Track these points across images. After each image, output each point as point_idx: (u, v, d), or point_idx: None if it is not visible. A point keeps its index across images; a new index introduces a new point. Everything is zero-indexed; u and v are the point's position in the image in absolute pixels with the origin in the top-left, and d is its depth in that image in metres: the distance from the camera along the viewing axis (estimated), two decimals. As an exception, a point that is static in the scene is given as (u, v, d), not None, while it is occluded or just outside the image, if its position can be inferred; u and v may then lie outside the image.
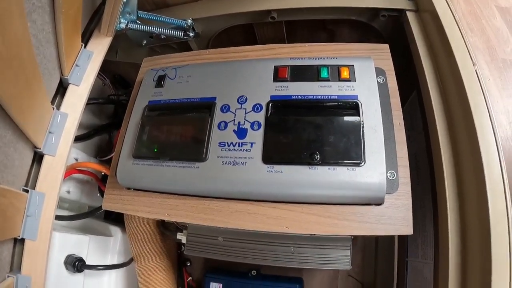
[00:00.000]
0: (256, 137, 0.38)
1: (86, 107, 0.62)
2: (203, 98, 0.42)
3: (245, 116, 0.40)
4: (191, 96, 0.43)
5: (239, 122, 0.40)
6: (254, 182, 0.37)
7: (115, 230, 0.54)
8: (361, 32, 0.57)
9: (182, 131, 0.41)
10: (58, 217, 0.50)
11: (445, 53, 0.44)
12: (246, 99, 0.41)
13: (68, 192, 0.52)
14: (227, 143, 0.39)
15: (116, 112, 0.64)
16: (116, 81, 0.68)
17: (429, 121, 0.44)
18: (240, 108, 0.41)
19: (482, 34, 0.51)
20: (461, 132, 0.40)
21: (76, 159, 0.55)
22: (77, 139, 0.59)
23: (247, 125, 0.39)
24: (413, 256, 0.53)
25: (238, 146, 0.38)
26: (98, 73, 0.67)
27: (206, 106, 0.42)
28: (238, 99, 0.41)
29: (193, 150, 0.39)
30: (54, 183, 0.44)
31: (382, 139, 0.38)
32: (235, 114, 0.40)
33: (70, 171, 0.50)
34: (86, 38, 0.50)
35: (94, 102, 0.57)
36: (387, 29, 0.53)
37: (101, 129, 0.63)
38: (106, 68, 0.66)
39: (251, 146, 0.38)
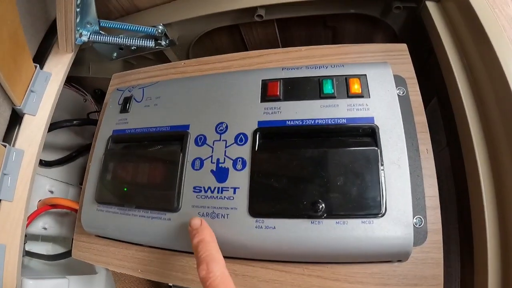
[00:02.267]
0: (240, 180, 0.26)
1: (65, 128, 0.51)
2: (173, 126, 0.30)
3: (225, 151, 0.27)
4: (160, 124, 0.30)
5: (218, 159, 0.27)
6: (239, 240, 0.25)
7: (99, 266, 0.44)
8: (366, 29, 0.42)
9: (149, 171, 0.29)
10: (28, 253, 0.40)
11: (482, 51, 0.30)
12: (227, 127, 0.28)
13: (45, 228, 0.42)
14: (204, 188, 0.27)
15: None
16: (97, 96, 0.56)
17: (461, 135, 0.31)
18: (219, 140, 0.28)
19: (496, 25, 0.36)
20: (503, 146, 0.27)
21: (52, 192, 0.44)
22: (57, 163, 0.48)
23: (228, 164, 0.27)
24: (434, 291, 0.41)
25: (218, 192, 0.26)
26: (78, 89, 0.55)
27: (177, 137, 0.29)
28: (216, 128, 0.28)
29: (163, 196, 0.27)
30: (14, 232, 0.33)
31: (408, 178, 0.25)
32: (212, 148, 0.28)
33: (42, 208, 0.40)
34: (44, 57, 0.38)
35: (69, 125, 0.45)
36: (399, 25, 0.38)
37: (85, 149, 0.52)
38: (85, 83, 0.54)
39: (234, 193, 0.26)
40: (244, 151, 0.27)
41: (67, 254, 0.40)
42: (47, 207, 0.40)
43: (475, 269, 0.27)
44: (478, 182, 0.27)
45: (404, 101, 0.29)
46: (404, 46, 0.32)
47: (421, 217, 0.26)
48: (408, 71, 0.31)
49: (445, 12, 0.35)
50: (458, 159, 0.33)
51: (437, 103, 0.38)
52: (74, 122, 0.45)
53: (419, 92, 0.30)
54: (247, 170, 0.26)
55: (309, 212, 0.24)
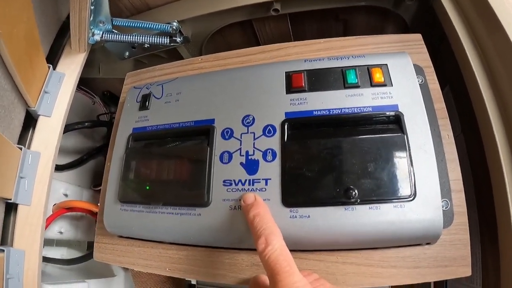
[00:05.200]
0: (271, 171, 0.26)
1: (75, 130, 0.50)
2: (198, 121, 0.30)
3: (254, 143, 0.27)
4: (183, 120, 0.30)
5: (247, 152, 0.27)
6: (273, 231, 0.25)
7: (118, 268, 0.44)
8: (377, 21, 0.42)
9: (175, 167, 0.28)
10: (45, 259, 0.39)
11: (494, 37, 0.31)
12: (254, 119, 0.28)
13: (61, 232, 0.41)
14: (234, 181, 0.27)
15: (110, 133, 0.52)
16: (106, 98, 0.55)
17: (480, 121, 0.32)
18: (247, 133, 0.28)
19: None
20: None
21: (66, 195, 0.43)
22: (68, 166, 0.47)
23: (257, 155, 0.27)
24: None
25: (249, 184, 0.26)
26: (86, 91, 0.54)
27: (202, 132, 0.29)
28: (243, 120, 0.29)
29: (191, 192, 0.27)
30: (34, 237, 0.32)
31: (434, 162, 0.25)
32: (241, 141, 0.28)
33: (58, 211, 0.39)
34: (56, 58, 0.37)
35: (80, 127, 0.44)
36: (411, 16, 0.39)
37: (96, 152, 0.51)
38: (93, 85, 0.53)
39: (266, 184, 0.26)
40: (274, 142, 0.27)
41: (87, 257, 0.39)
42: (63, 210, 0.39)
43: (501, 255, 0.28)
44: (499, 168, 0.28)
45: (424, 89, 0.30)
46: (419, 36, 0.33)
47: (447, 200, 0.27)
48: (425, 60, 0.32)
49: (457, 2, 0.36)
50: (474, 145, 0.34)
51: (450, 91, 0.39)
52: (86, 124, 0.44)
53: (436, 80, 0.31)
54: (277, 161, 0.26)
55: (342, 199, 0.24)
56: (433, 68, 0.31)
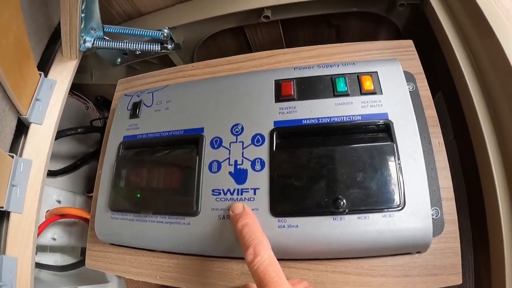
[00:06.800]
0: (260, 180, 0.26)
1: (68, 136, 0.50)
2: (187, 130, 0.30)
3: (243, 152, 0.27)
4: (173, 128, 0.30)
5: (235, 161, 0.27)
6: (262, 240, 0.25)
7: (111, 275, 0.44)
8: (370, 27, 0.42)
9: (165, 175, 0.28)
10: (38, 265, 0.39)
11: (486, 44, 0.31)
12: (242, 128, 0.28)
13: (54, 239, 0.41)
14: (223, 190, 0.27)
15: (103, 139, 0.52)
16: (100, 103, 0.55)
17: (471, 127, 0.32)
18: (236, 142, 0.28)
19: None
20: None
21: (59, 201, 0.43)
22: (62, 172, 0.47)
23: (246, 165, 0.27)
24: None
25: (238, 193, 0.26)
26: (79, 97, 0.54)
27: (192, 141, 0.29)
28: (232, 129, 0.29)
29: (181, 201, 0.27)
30: (26, 244, 0.32)
31: (424, 170, 0.25)
32: (229, 150, 0.28)
33: (51, 218, 0.39)
34: (48, 65, 0.37)
35: (73, 133, 0.45)
36: (403, 22, 0.39)
37: (89, 157, 0.51)
38: (87, 91, 0.54)
39: (254, 194, 0.26)
40: (262, 152, 0.27)
41: (79, 264, 0.40)
42: (56, 217, 0.39)
43: (491, 260, 0.28)
44: (490, 173, 0.28)
45: (414, 96, 0.30)
46: (410, 43, 0.33)
47: (437, 208, 0.27)
48: (416, 67, 0.32)
49: (448, 6, 0.36)
50: (466, 151, 0.34)
51: (442, 97, 0.39)
52: (79, 130, 0.44)
53: (427, 87, 0.31)
54: (266, 170, 0.26)
55: (330, 209, 0.24)
56: (424, 75, 0.31)
